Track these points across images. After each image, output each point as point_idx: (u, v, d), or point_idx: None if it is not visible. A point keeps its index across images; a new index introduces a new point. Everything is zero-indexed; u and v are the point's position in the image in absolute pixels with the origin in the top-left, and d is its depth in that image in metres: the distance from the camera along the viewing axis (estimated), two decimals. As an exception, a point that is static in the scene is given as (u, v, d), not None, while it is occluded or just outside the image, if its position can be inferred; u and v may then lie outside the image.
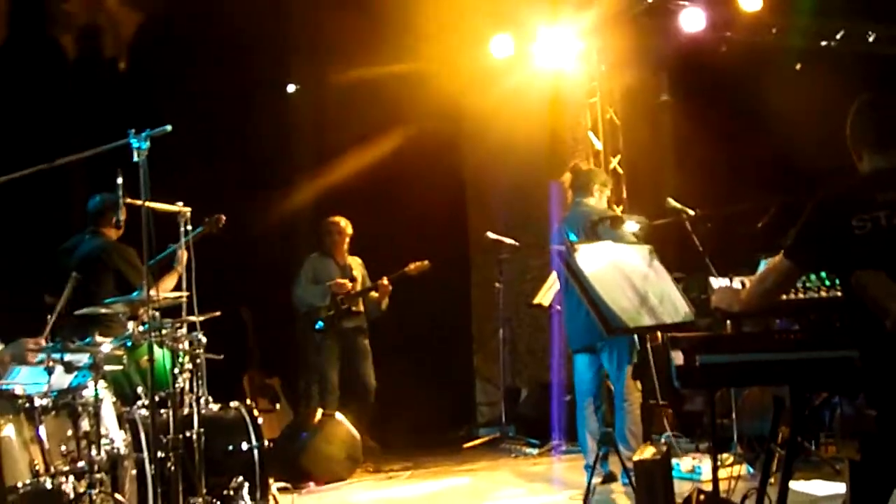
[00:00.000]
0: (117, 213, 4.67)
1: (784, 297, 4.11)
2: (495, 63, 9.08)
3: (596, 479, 5.80)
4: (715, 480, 4.34)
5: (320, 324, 7.73)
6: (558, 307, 7.91)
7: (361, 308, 8.06)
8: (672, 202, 6.45)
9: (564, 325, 6.48)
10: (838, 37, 9.17)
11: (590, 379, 6.29)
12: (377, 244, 8.56)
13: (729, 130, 9.09)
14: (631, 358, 5.98)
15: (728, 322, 4.32)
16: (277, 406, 8.76)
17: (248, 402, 5.90)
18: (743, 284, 4.14)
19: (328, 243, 8.11)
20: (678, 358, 3.79)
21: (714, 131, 8.99)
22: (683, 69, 9.33)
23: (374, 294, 8.02)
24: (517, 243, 8.87)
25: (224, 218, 5.74)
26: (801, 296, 4.15)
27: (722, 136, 9.04)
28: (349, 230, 8.13)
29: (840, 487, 5.21)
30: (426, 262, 7.97)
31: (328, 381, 7.94)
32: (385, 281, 7.94)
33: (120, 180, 4.67)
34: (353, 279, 8.02)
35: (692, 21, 8.49)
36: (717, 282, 4.50)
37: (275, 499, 5.46)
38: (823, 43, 9.31)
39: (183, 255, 5.89)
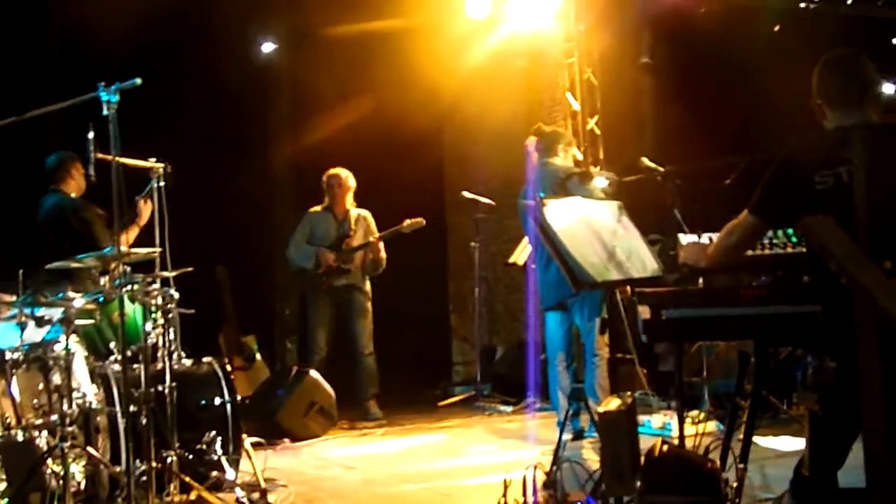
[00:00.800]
0: (87, 168, 4.63)
1: (751, 252, 4.17)
2: (473, 24, 9.04)
3: (567, 436, 5.88)
4: (681, 432, 4.41)
5: None
6: (534, 266, 7.97)
7: (359, 265, 8.01)
8: (645, 161, 6.47)
9: (537, 284, 6.52)
10: (817, -2, 9.16)
11: (561, 336, 6.36)
12: (354, 203, 8.55)
13: (708, 91, 9.08)
14: (600, 312, 6.04)
15: (700, 279, 4.38)
16: (254, 363, 8.79)
17: (224, 359, 5.93)
18: (711, 241, 4.16)
19: (328, 196, 8.05)
20: (645, 312, 3.83)
21: (693, 92, 8.98)
22: (663, 29, 9.30)
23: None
24: (493, 202, 8.90)
25: (169, 168, 5.70)
26: (766, 251, 4.21)
27: (700, 97, 9.02)
28: (350, 182, 8.03)
29: (806, 443, 5.29)
30: (421, 220, 7.92)
31: (314, 340, 7.95)
32: (372, 239, 7.89)
33: (91, 134, 4.63)
34: (348, 233, 7.96)
35: (671, -20, 8.46)
36: (685, 238, 4.55)
37: (248, 454, 5.48)
38: (802, 4, 9.29)
39: (145, 208, 5.92)
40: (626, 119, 9.09)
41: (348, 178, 8.04)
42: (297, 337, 9.80)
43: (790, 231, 4.23)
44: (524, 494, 3.89)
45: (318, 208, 8.09)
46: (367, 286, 8.06)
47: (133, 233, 6.02)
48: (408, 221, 7.90)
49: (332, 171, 8.07)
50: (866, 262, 2.53)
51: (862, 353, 2.42)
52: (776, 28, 9.33)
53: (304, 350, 8.14)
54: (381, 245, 7.94)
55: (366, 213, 8.15)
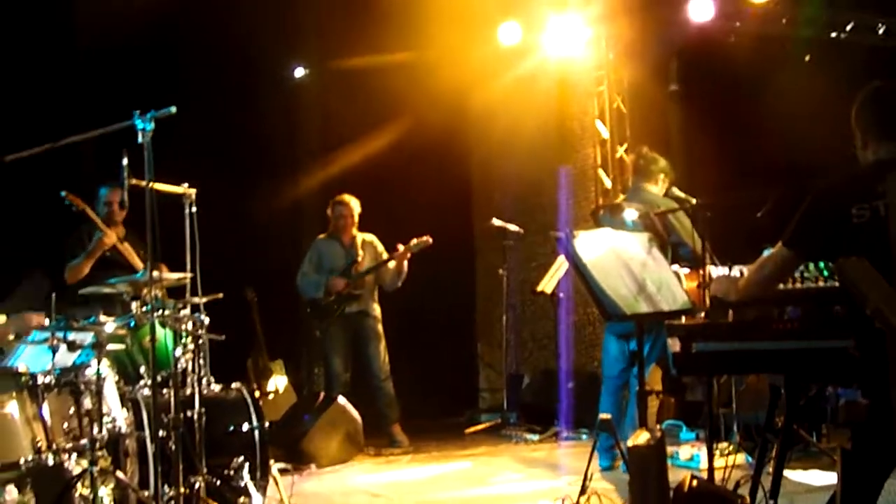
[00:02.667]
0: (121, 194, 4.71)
1: (781, 286, 4.14)
2: (503, 50, 9.09)
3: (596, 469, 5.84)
4: (710, 466, 4.39)
5: None
6: (562, 294, 7.95)
7: (370, 289, 8.01)
8: (676, 191, 6.47)
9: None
10: (848, 28, 9.13)
11: (622, 367, 6.28)
12: (383, 231, 8.58)
13: (737, 121, 9.06)
14: (663, 353, 5.99)
15: (730, 311, 4.36)
16: (281, 389, 8.81)
17: (252, 384, 5.95)
18: (742, 274, 4.15)
19: (334, 223, 8.05)
20: (675, 345, 3.82)
21: (722, 122, 8.97)
22: (692, 59, 9.30)
23: (390, 265, 7.93)
24: (521, 230, 8.90)
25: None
26: (798, 286, 4.18)
27: (729, 127, 9.01)
28: (357, 208, 8.00)
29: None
30: (427, 238, 7.82)
31: (332, 367, 7.95)
32: (402, 247, 7.80)
33: (125, 161, 4.69)
34: (356, 259, 7.93)
35: (700, 11, 8.46)
36: (716, 271, 4.53)
37: (275, 480, 5.49)
38: (833, 34, 9.28)
39: (103, 240, 6.34)
40: (654, 148, 9.03)
41: (356, 204, 8.02)
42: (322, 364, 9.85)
43: (822, 264, 4.20)
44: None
45: (323, 236, 8.11)
46: (378, 311, 8.04)
47: (86, 265, 6.39)
48: (414, 241, 7.81)
49: (340, 197, 8.03)
50: (901, 306, 2.52)
51: (896, 393, 2.40)
52: (807, 58, 9.31)
53: (325, 382, 8.15)
54: (407, 256, 7.85)
55: (371, 237, 8.13)
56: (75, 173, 7.02)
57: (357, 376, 8.04)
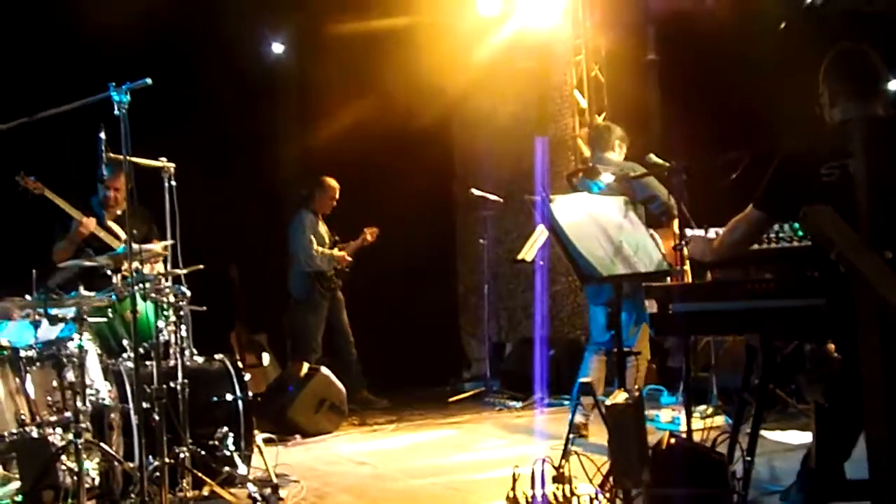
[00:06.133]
0: (98, 168, 4.70)
1: (757, 246, 4.20)
2: (482, 21, 9.08)
3: (581, 418, 5.91)
4: (689, 426, 4.44)
5: None
6: (541, 262, 8.00)
7: None
8: (653, 157, 6.49)
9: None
10: (824, -6, 9.16)
11: (607, 338, 6.32)
12: (364, 203, 8.60)
13: (713, 87, 9.08)
14: (646, 315, 6.04)
15: (707, 273, 4.41)
16: (265, 361, 8.85)
17: (236, 356, 5.98)
18: (717, 235, 4.19)
19: (324, 203, 8.42)
20: (652, 306, 3.86)
21: (698, 88, 8.99)
22: (669, 27, 9.32)
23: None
24: (501, 199, 8.94)
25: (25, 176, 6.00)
26: (773, 245, 4.23)
27: (706, 94, 9.03)
28: None
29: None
30: (375, 229, 8.56)
31: (314, 340, 8.24)
32: (370, 236, 8.52)
33: (102, 134, 4.68)
34: (337, 237, 8.43)
35: (676, -22, 8.48)
36: (692, 233, 4.57)
37: (260, 449, 5.53)
38: (808, 1, 9.31)
39: (82, 227, 6.18)
40: (632, 115, 9.09)
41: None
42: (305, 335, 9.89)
43: (796, 225, 4.25)
44: (533, 488, 3.92)
45: (309, 212, 8.41)
46: None
47: (64, 253, 6.17)
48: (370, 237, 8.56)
49: (332, 181, 8.45)
50: (866, 251, 2.56)
51: (863, 342, 2.45)
52: (782, 25, 9.34)
53: (296, 350, 8.39)
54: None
55: None
56: (53, 149, 6.95)
57: (327, 346, 8.41)
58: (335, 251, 8.36)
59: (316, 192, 8.43)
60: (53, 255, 6.24)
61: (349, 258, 8.38)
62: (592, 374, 6.25)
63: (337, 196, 8.45)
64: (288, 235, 8.49)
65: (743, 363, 4.72)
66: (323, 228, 8.44)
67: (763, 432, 4.73)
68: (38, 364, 4.80)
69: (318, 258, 8.28)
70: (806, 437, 5.63)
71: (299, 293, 8.40)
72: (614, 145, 6.50)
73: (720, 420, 6.29)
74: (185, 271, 5.40)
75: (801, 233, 4.24)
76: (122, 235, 6.25)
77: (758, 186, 3.61)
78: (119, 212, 6.42)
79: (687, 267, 4.25)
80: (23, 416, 4.67)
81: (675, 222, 5.24)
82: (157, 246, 5.34)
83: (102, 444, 4.72)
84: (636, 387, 6.01)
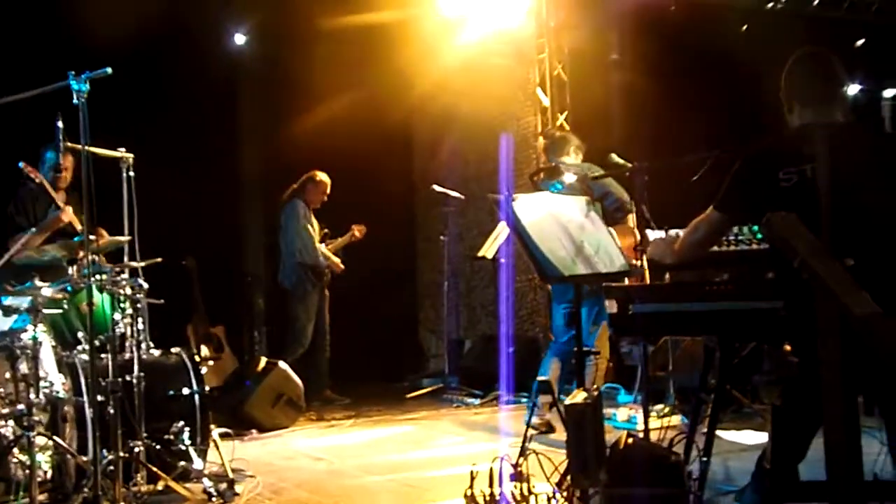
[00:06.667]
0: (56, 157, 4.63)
1: (717, 248, 4.24)
2: (447, 20, 9.07)
3: (537, 420, 5.94)
4: (646, 425, 4.48)
5: None
6: (503, 260, 8.02)
7: None
8: (614, 157, 6.52)
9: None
10: (784, -1, 9.30)
11: (567, 339, 6.36)
12: (328, 196, 8.55)
13: (676, 88, 9.17)
14: (605, 314, 6.09)
15: (667, 274, 4.44)
16: (222, 355, 8.79)
17: (193, 349, 5.92)
18: (678, 237, 4.22)
19: (315, 197, 8.39)
20: (612, 306, 3.88)
21: (661, 89, 9.07)
22: (632, 27, 9.38)
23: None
24: (462, 196, 8.95)
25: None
26: (732, 248, 4.28)
27: (669, 94, 9.12)
28: None
29: (769, 437, 5.38)
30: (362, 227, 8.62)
31: (304, 333, 8.21)
32: (358, 233, 8.64)
33: (60, 124, 4.62)
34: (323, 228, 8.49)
35: (641, -21, 8.53)
36: (653, 234, 4.61)
37: (216, 444, 5.49)
38: (770, 4, 9.42)
39: (56, 218, 5.97)
40: (595, 115, 9.15)
41: None
42: (268, 329, 9.83)
43: (755, 228, 4.30)
44: (491, 486, 3.92)
45: (303, 204, 8.33)
46: None
47: (35, 240, 5.92)
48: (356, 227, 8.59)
49: (326, 178, 8.43)
50: (828, 259, 2.58)
51: (824, 348, 2.47)
52: (744, 27, 9.45)
53: (285, 342, 8.27)
54: None
55: None
56: (11, 136, 6.83)
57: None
58: (332, 256, 8.39)
59: (308, 186, 8.37)
60: (19, 243, 6.00)
61: (342, 266, 8.42)
62: (551, 374, 6.28)
63: (328, 191, 8.40)
64: (281, 225, 8.39)
65: (700, 363, 4.77)
66: (314, 221, 8.39)
67: (719, 432, 4.77)
68: (-9, 355, 4.72)
69: (310, 247, 8.22)
70: (761, 438, 5.70)
71: (290, 283, 8.31)
72: (569, 151, 6.51)
73: (677, 420, 6.35)
74: (142, 264, 5.34)
75: (759, 235, 4.29)
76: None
77: (718, 188, 3.63)
78: (64, 195, 6.26)
79: (645, 264, 4.28)
80: (-26, 409, 4.59)
81: (631, 218, 5.30)
82: (116, 238, 5.27)
83: (55, 438, 4.66)
84: (595, 386, 6.04)
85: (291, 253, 8.29)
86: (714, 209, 3.62)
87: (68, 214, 6.01)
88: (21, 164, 5.90)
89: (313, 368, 8.06)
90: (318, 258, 8.24)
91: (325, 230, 8.50)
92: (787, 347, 3.64)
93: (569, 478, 3.81)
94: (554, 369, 6.36)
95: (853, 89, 8.67)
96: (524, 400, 7.76)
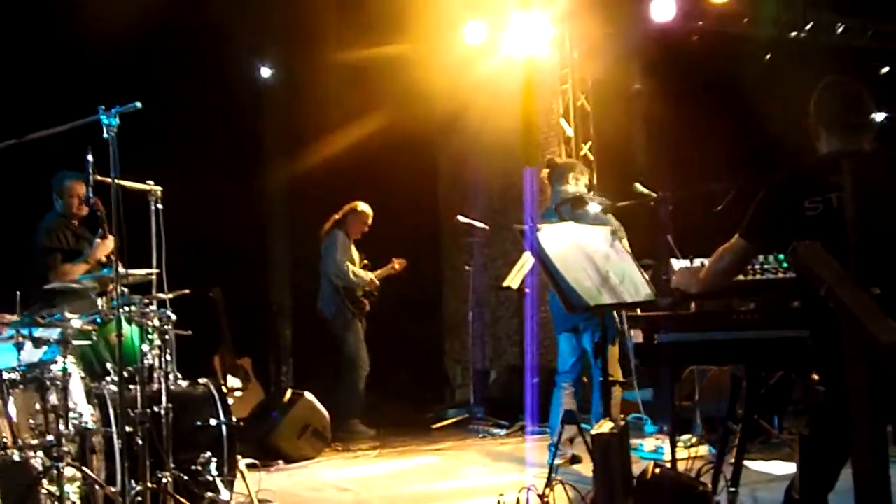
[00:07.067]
0: (87, 191, 4.68)
1: (742, 277, 4.22)
2: (469, 49, 9.14)
3: (559, 461, 5.90)
4: (673, 455, 4.46)
5: None
6: (528, 290, 8.03)
7: None
8: (638, 186, 6.54)
9: (549, 308, 6.54)
10: (807, 28, 9.29)
11: (573, 362, 6.37)
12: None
13: (700, 119, 9.19)
14: (613, 340, 6.09)
15: (692, 303, 4.43)
16: (248, 385, 8.82)
17: (220, 380, 5.94)
18: (703, 266, 4.21)
19: (356, 228, 8.36)
20: (638, 336, 3.88)
21: (685, 119, 9.09)
22: (655, 58, 9.42)
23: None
24: (487, 227, 8.97)
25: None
26: (758, 277, 4.26)
27: (693, 125, 9.14)
28: None
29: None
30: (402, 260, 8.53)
31: (361, 358, 8.21)
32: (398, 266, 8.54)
33: (90, 157, 4.68)
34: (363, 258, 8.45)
35: (662, 10, 8.57)
36: (678, 263, 4.60)
37: (242, 475, 5.50)
38: (793, 34, 9.43)
39: (101, 247, 5.97)
40: (618, 145, 9.18)
41: None
42: (294, 360, 9.88)
43: (781, 256, 4.29)
44: (518, 516, 3.92)
45: (342, 234, 8.30)
46: None
47: (80, 269, 5.97)
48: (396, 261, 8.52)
49: (368, 209, 8.40)
50: (854, 287, 2.58)
51: (851, 377, 2.47)
52: (767, 57, 9.46)
53: (354, 371, 8.24)
54: None
55: None
56: (40, 170, 6.93)
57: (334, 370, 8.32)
58: (367, 273, 8.33)
59: (349, 217, 8.36)
60: (59, 274, 6.03)
61: (377, 282, 8.35)
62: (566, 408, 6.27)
63: (370, 222, 8.38)
64: (321, 256, 8.36)
65: (727, 393, 4.74)
66: (354, 251, 8.36)
67: (747, 462, 4.75)
68: (20, 386, 4.75)
69: (350, 273, 8.18)
70: (789, 468, 5.65)
71: (330, 313, 8.28)
72: (568, 179, 6.52)
73: (704, 450, 6.29)
74: (170, 296, 5.38)
75: (785, 264, 4.28)
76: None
77: (743, 216, 3.63)
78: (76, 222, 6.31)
79: None
80: (4, 439, 4.61)
81: (625, 243, 5.32)
82: (143, 271, 5.31)
83: (84, 468, 4.68)
84: (612, 415, 6.01)
85: (330, 281, 8.27)
86: (739, 238, 3.62)
87: (108, 245, 5.95)
88: (91, 198, 5.71)
89: (344, 398, 8.06)
90: (351, 279, 8.18)
91: (366, 261, 8.44)
92: (815, 377, 3.63)
93: (596, 508, 3.80)
94: (567, 403, 6.34)
95: (879, 117, 8.65)
96: (550, 430, 7.73)
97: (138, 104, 4.37)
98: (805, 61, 8.92)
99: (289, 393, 7.43)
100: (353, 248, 8.37)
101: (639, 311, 4.30)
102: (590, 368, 6.44)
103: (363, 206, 8.39)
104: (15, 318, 4.80)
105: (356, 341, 8.22)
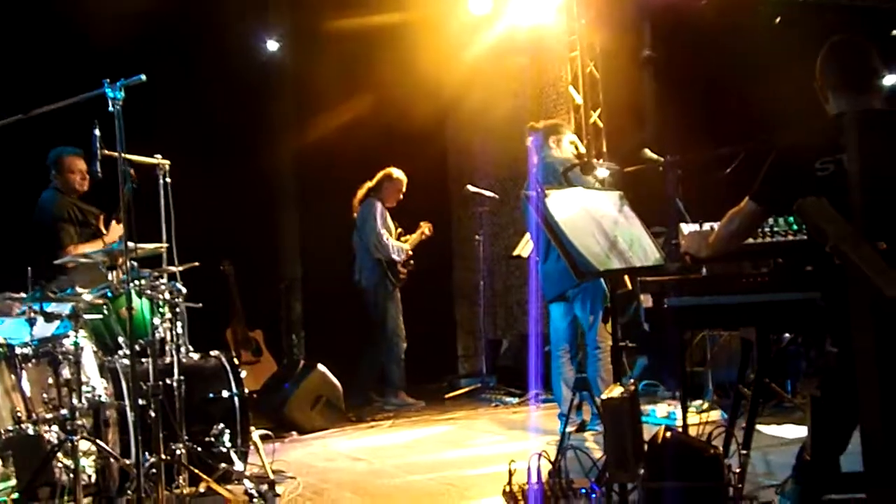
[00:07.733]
0: (93, 165, 4.67)
1: (752, 240, 4.20)
2: (475, 18, 9.08)
3: (570, 428, 5.92)
4: (685, 420, 4.46)
5: None
6: (537, 259, 8.01)
7: None
8: (647, 152, 6.49)
9: (538, 276, 6.53)
10: (817, -11, 9.20)
11: (564, 328, 6.38)
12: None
13: (708, 83, 9.11)
14: (602, 304, 6.08)
15: (702, 268, 4.41)
16: (260, 358, 8.86)
17: (232, 353, 5.96)
18: (712, 230, 4.19)
19: (391, 195, 8.29)
20: (647, 300, 3.87)
21: (693, 84, 9.02)
22: (664, 23, 9.33)
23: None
24: (497, 196, 8.95)
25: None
26: (768, 240, 4.25)
27: (701, 89, 9.06)
28: None
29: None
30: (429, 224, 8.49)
31: (399, 328, 8.20)
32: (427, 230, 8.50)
33: (97, 131, 4.67)
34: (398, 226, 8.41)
35: (671, -26, 8.49)
36: (687, 227, 4.59)
37: (256, 446, 5.53)
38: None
39: (115, 228, 6.08)
40: (627, 111, 9.11)
41: None
42: (306, 333, 9.90)
43: (791, 219, 4.27)
44: (529, 482, 3.92)
45: (379, 202, 8.22)
46: None
47: (94, 245, 5.99)
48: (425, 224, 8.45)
49: (402, 175, 8.32)
50: (860, 242, 2.56)
51: (857, 332, 2.45)
52: (776, 20, 9.36)
53: (391, 341, 8.21)
54: None
55: None
56: (47, 145, 6.92)
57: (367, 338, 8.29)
58: (404, 245, 8.27)
59: (384, 184, 8.26)
60: (76, 248, 6.06)
61: (410, 251, 8.28)
62: (567, 376, 6.28)
63: (404, 189, 8.29)
64: (357, 226, 8.28)
65: (738, 358, 4.74)
66: (389, 220, 8.28)
67: (758, 426, 4.75)
68: (33, 361, 4.80)
69: (391, 249, 8.12)
70: (801, 431, 5.65)
71: (370, 283, 8.20)
72: (550, 144, 6.45)
73: (716, 414, 6.29)
74: (180, 269, 5.40)
75: (795, 227, 4.25)
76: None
77: (754, 180, 3.60)
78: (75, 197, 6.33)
79: None
80: (19, 414, 4.66)
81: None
82: (153, 245, 5.32)
83: (98, 441, 4.72)
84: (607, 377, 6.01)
85: (368, 252, 8.19)
86: (750, 200, 3.59)
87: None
88: (98, 172, 5.68)
89: (369, 368, 8.12)
90: (392, 254, 8.13)
91: (400, 229, 8.37)
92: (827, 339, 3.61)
93: (607, 473, 3.80)
94: (568, 370, 6.34)
95: (889, 79, 8.56)
96: (554, 399, 7.74)
97: (143, 77, 4.34)
98: (816, 23, 8.83)
99: (301, 364, 7.45)
100: (389, 216, 8.27)
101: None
102: (582, 336, 6.43)
103: (398, 173, 8.28)
104: (25, 294, 4.82)
105: (397, 313, 8.19)
